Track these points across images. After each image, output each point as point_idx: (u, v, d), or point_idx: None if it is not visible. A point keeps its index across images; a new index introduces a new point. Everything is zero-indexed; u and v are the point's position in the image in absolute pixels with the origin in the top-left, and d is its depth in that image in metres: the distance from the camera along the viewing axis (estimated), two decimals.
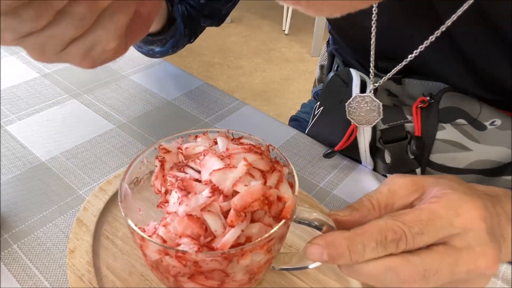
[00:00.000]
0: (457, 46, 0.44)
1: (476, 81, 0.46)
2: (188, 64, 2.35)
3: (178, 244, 0.28)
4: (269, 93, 2.15)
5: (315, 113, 0.56)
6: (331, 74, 0.55)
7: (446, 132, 0.45)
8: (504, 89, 0.44)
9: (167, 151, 0.34)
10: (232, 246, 0.27)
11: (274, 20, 2.88)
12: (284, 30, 2.75)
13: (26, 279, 0.37)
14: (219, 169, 0.29)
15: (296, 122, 0.74)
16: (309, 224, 0.30)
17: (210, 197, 0.28)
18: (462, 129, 0.44)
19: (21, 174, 0.47)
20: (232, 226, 0.27)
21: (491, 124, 0.44)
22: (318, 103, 0.56)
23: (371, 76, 0.46)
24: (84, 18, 0.25)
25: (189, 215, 0.28)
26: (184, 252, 0.26)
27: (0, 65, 0.66)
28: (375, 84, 0.46)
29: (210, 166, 0.30)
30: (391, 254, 0.28)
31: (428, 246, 0.28)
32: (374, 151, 0.50)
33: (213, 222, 0.28)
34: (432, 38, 0.41)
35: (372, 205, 0.31)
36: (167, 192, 0.32)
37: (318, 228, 0.30)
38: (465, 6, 0.38)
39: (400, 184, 0.31)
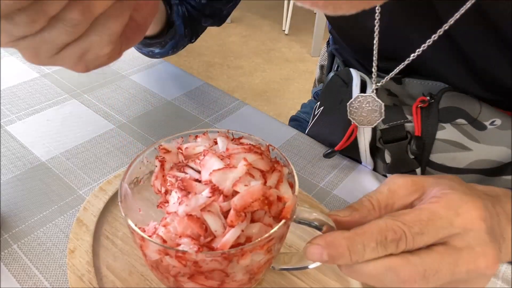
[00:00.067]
0: (457, 46, 0.44)
1: (476, 81, 0.46)
2: (188, 64, 2.35)
3: (178, 244, 0.28)
4: (269, 93, 2.16)
5: (315, 113, 0.56)
6: (331, 74, 0.55)
7: (446, 132, 0.45)
8: (504, 89, 0.44)
9: (167, 151, 0.34)
10: (232, 246, 0.27)
11: (274, 20, 2.88)
12: (284, 30, 2.75)
13: (26, 279, 0.37)
14: (219, 169, 0.29)
15: (296, 122, 0.74)
16: (309, 224, 0.30)
17: (210, 197, 0.28)
18: (462, 129, 0.44)
19: (21, 174, 0.47)
20: (232, 226, 0.27)
21: (491, 124, 0.44)
22: (318, 103, 0.56)
23: (373, 76, 0.46)
24: (78, 24, 0.25)
25: (189, 215, 0.28)
26: (184, 252, 0.26)
27: (0, 65, 0.66)
28: (377, 84, 0.46)
29: (210, 166, 0.30)
30: (391, 254, 0.28)
31: (428, 246, 0.28)
32: (374, 151, 0.50)
33: (213, 222, 0.28)
34: (435, 36, 0.41)
35: (372, 205, 0.31)
36: (167, 192, 0.32)
37: (318, 228, 0.30)
38: (467, 5, 0.38)
39: (400, 184, 0.31)
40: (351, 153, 0.51)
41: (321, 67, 0.74)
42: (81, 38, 0.27)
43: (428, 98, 0.46)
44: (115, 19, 0.27)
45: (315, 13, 2.55)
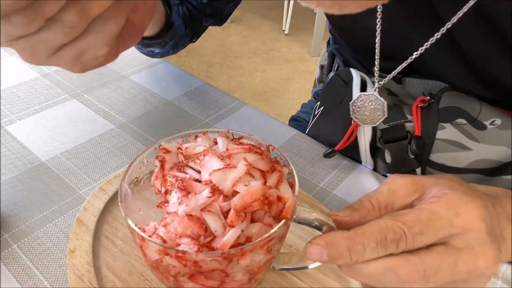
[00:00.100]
0: (457, 45, 0.44)
1: (476, 81, 0.46)
2: (188, 64, 2.35)
3: (178, 244, 0.28)
4: (269, 93, 2.16)
5: (315, 113, 0.56)
6: (332, 74, 0.55)
7: (446, 132, 0.45)
8: (504, 89, 0.44)
9: (167, 151, 0.34)
10: (232, 246, 0.27)
11: (274, 20, 2.88)
12: (284, 30, 2.75)
13: (26, 279, 0.37)
14: (219, 169, 0.29)
15: (296, 122, 0.74)
16: (309, 224, 0.30)
17: (210, 197, 0.28)
18: (462, 128, 0.44)
19: (21, 174, 0.47)
20: (232, 226, 0.27)
21: (491, 123, 0.44)
22: (318, 103, 0.56)
23: (375, 74, 0.46)
24: (74, 25, 0.25)
25: (189, 215, 0.28)
26: (184, 252, 0.26)
27: (0, 65, 0.66)
28: (380, 83, 0.46)
29: (210, 166, 0.30)
30: (391, 254, 0.28)
31: (428, 246, 0.28)
32: (375, 150, 0.50)
33: (213, 222, 0.28)
34: (437, 35, 0.41)
35: (372, 205, 0.31)
36: (167, 192, 0.32)
37: (318, 228, 0.30)
38: (469, 4, 0.38)
39: (400, 184, 0.31)
40: (351, 153, 0.51)
41: (321, 67, 0.74)
42: (77, 39, 0.27)
43: (428, 98, 0.46)
44: (112, 21, 0.27)
45: (315, 13, 2.55)
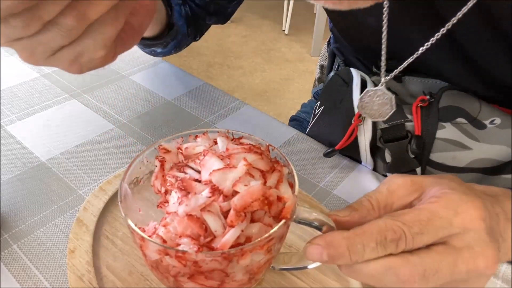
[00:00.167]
0: (458, 44, 0.44)
1: (477, 80, 0.46)
2: (188, 64, 2.35)
3: (178, 244, 0.28)
4: (269, 93, 2.16)
5: (316, 113, 0.56)
6: (332, 73, 0.55)
7: (446, 131, 0.45)
8: (505, 87, 0.44)
9: (167, 151, 0.34)
10: (232, 246, 0.27)
11: (274, 20, 2.88)
12: (284, 30, 2.75)
13: (26, 279, 0.37)
14: (219, 169, 0.29)
15: (296, 122, 0.74)
16: (309, 224, 0.31)
17: (210, 197, 0.28)
18: (462, 128, 0.44)
19: (21, 174, 0.47)
20: (232, 226, 0.27)
21: (491, 122, 0.44)
22: (319, 103, 0.56)
23: (382, 70, 0.46)
24: (72, 29, 0.26)
25: (189, 215, 0.28)
26: (184, 252, 0.26)
27: (0, 65, 0.66)
28: (386, 78, 0.46)
29: (210, 166, 0.30)
30: (390, 254, 0.28)
31: (428, 246, 0.28)
32: (375, 150, 0.50)
33: (213, 222, 0.28)
34: (438, 35, 0.41)
35: (372, 205, 0.31)
36: (167, 192, 0.32)
37: (318, 228, 0.30)
38: (470, 4, 0.38)
39: (399, 184, 0.31)
40: (351, 152, 0.51)
41: (321, 67, 0.74)
42: (75, 41, 0.28)
43: (428, 97, 0.46)
44: (110, 24, 0.27)
45: (315, 13, 2.55)
